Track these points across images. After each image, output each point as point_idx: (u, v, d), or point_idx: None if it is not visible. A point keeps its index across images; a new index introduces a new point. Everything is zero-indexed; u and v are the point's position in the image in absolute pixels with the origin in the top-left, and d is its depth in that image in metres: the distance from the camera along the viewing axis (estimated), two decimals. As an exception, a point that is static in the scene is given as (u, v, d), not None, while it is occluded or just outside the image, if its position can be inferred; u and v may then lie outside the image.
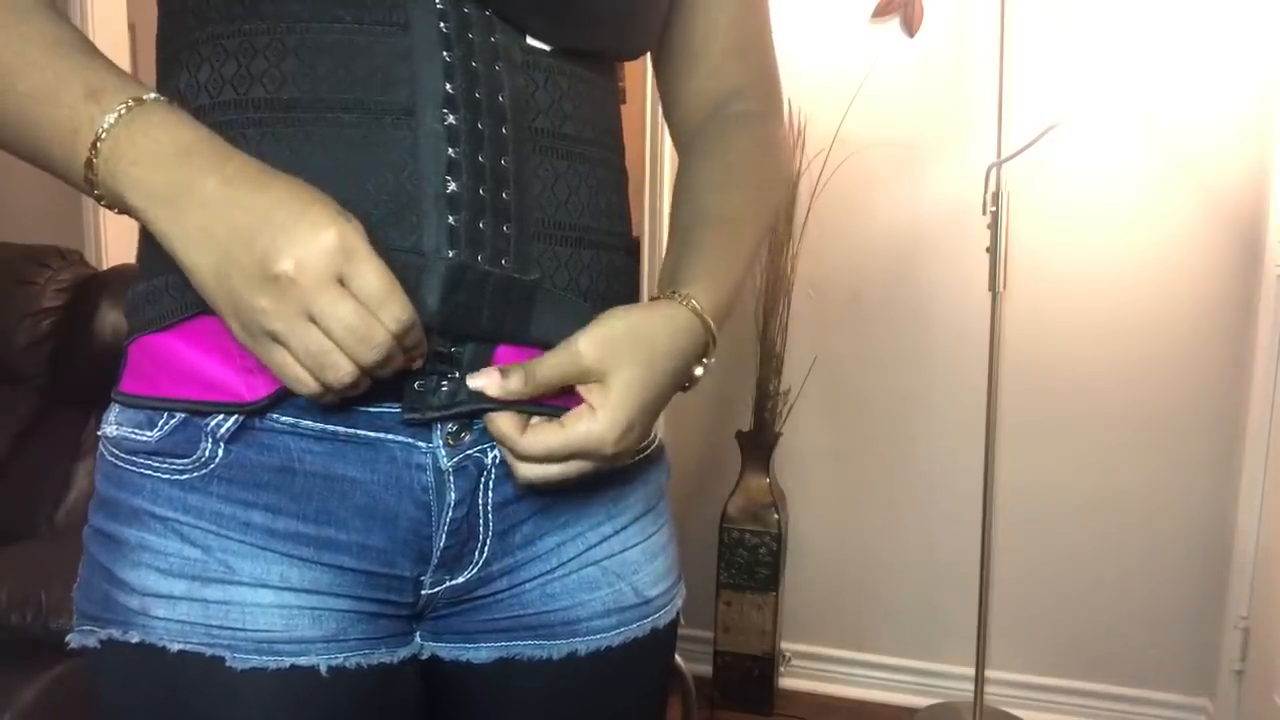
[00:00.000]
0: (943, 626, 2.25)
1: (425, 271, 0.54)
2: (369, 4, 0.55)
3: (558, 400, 0.58)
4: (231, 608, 0.56)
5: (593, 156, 0.63)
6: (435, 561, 0.61)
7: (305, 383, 0.51)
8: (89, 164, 0.50)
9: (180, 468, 0.57)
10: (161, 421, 0.57)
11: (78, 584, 0.61)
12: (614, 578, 0.67)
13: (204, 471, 0.57)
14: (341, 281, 0.49)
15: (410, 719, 0.64)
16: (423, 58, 0.56)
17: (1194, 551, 2.09)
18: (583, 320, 0.58)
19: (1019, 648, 2.21)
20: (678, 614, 0.73)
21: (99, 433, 0.61)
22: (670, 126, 0.79)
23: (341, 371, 0.50)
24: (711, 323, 0.62)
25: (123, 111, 0.50)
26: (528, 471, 0.57)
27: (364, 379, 0.51)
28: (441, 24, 0.56)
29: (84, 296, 1.83)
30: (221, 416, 0.56)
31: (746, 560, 2.18)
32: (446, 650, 0.66)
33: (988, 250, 1.98)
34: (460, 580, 0.62)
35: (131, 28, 2.36)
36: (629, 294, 0.67)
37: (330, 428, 0.57)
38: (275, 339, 0.50)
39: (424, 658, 0.65)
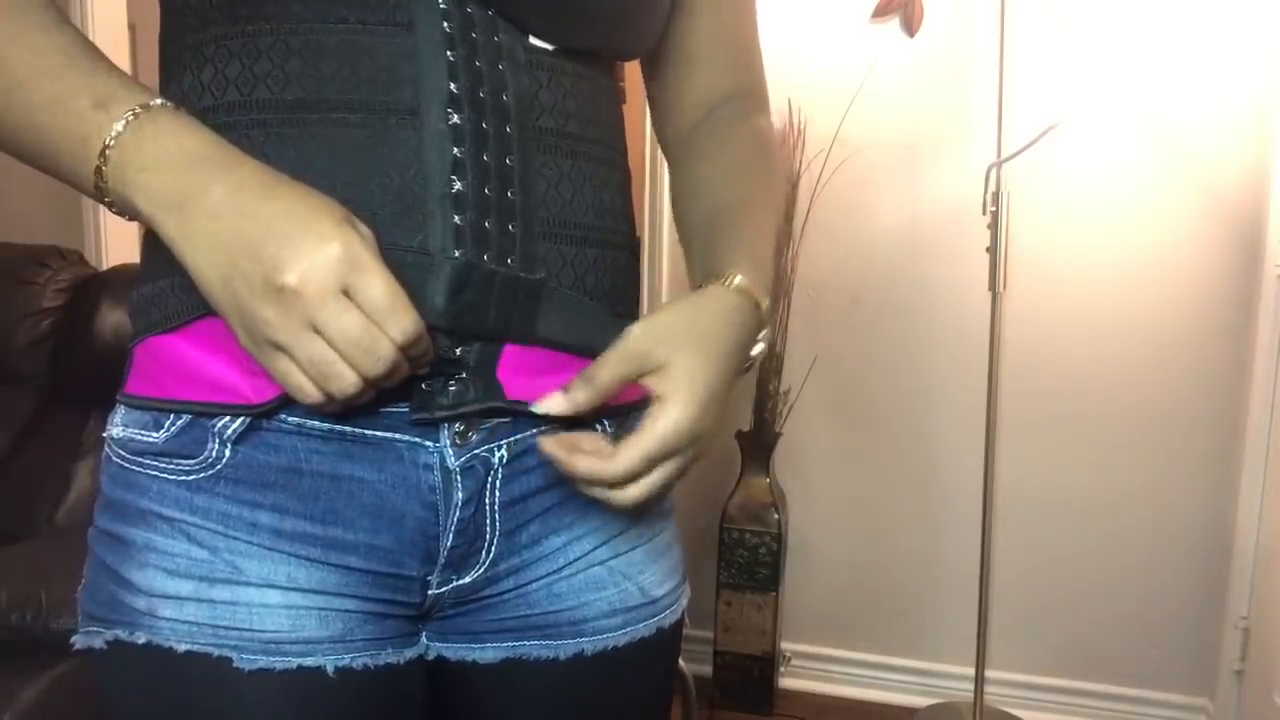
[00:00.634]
0: (943, 626, 2.25)
1: (432, 271, 0.55)
2: (372, 4, 0.55)
3: (615, 402, 0.57)
4: (238, 608, 0.56)
5: (596, 155, 0.64)
6: (442, 561, 0.61)
7: (309, 392, 0.51)
8: (98, 172, 0.50)
9: (187, 469, 0.57)
10: (168, 423, 0.57)
11: (83, 585, 0.60)
12: (620, 577, 0.67)
13: (211, 472, 0.57)
14: (348, 293, 0.48)
15: (416, 719, 0.63)
16: (427, 58, 0.56)
17: (1194, 551, 2.09)
18: (588, 318, 0.58)
19: (1019, 648, 2.21)
20: (683, 614, 0.73)
21: (104, 434, 0.61)
22: (659, 130, 0.79)
23: (345, 382, 0.50)
24: (760, 299, 0.62)
25: (130, 119, 0.50)
26: (630, 493, 0.56)
27: (368, 389, 0.51)
28: (445, 24, 0.56)
29: (84, 296, 1.83)
30: (228, 418, 0.56)
31: (746, 560, 2.18)
32: (453, 651, 0.65)
33: (988, 250, 1.98)
34: (467, 580, 0.62)
35: (131, 28, 2.36)
36: (633, 292, 0.67)
37: (337, 428, 0.57)
38: (280, 348, 0.50)
39: (430, 658, 0.65)
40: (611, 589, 0.66)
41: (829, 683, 2.33)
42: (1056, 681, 2.20)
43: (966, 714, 2.13)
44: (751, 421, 2.20)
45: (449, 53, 0.56)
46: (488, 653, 0.65)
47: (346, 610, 0.59)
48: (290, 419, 0.56)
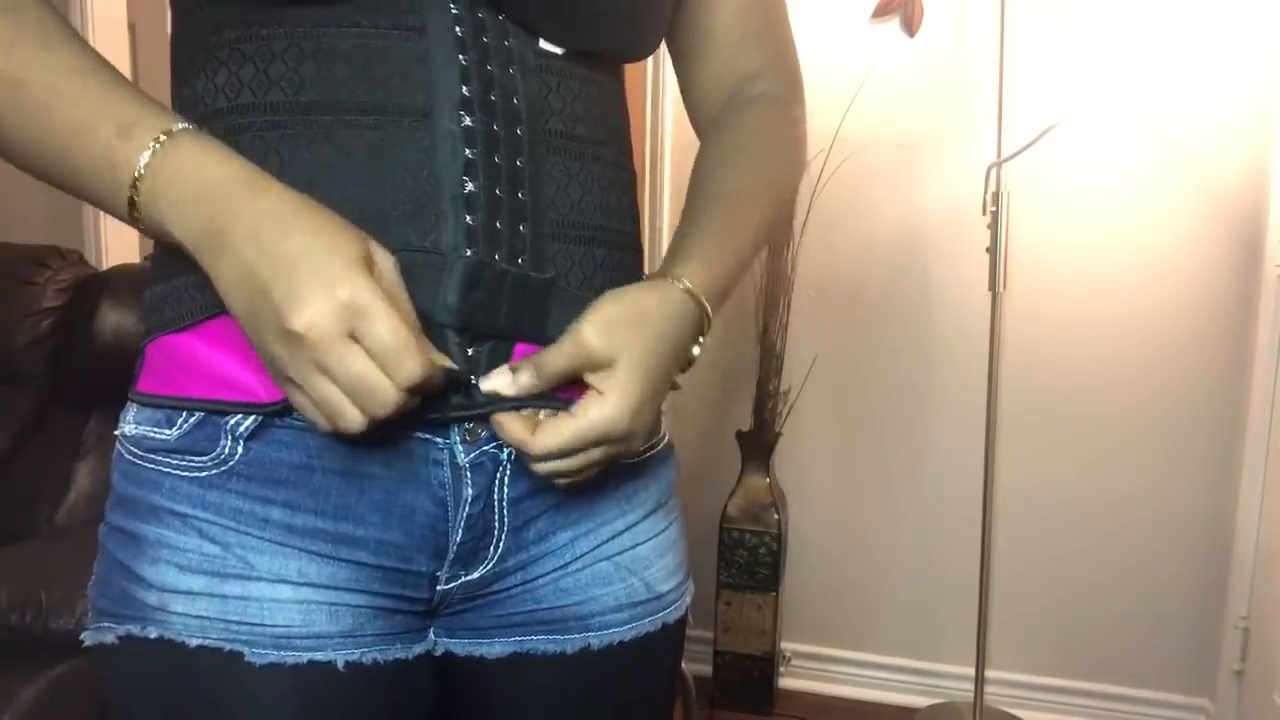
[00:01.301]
0: (943, 626, 2.25)
1: (444, 270, 0.55)
2: (385, 9, 0.56)
3: (568, 393, 0.58)
4: (250, 603, 0.57)
5: (604, 157, 0.64)
6: (451, 557, 0.62)
7: (320, 424, 0.52)
8: (131, 203, 0.51)
9: (199, 465, 0.57)
10: (180, 420, 0.58)
11: (93, 581, 0.61)
12: (626, 573, 0.68)
13: (223, 469, 0.57)
14: (356, 337, 0.49)
15: (425, 714, 0.64)
16: (439, 61, 0.57)
17: (1194, 551, 2.09)
18: None
19: (1019, 648, 2.21)
20: (687, 610, 0.73)
21: (116, 432, 0.61)
22: (691, 114, 0.79)
23: (351, 422, 0.51)
24: (705, 302, 0.62)
25: (156, 148, 0.50)
26: (545, 467, 0.57)
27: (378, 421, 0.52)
28: (457, 28, 0.57)
29: (84, 296, 1.83)
30: (240, 415, 0.57)
31: (746, 560, 2.18)
32: (461, 645, 0.66)
33: (988, 250, 1.98)
34: (475, 576, 0.63)
35: (131, 28, 2.35)
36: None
37: None
38: (293, 383, 0.51)
39: (438, 653, 0.66)
40: (617, 584, 0.67)
41: (829, 683, 2.33)
42: (1056, 681, 2.20)
43: (966, 714, 2.13)
44: (751, 421, 2.20)
45: (461, 56, 0.57)
46: (495, 647, 0.66)
47: (357, 605, 0.59)
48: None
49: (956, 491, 2.18)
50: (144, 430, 0.59)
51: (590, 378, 0.57)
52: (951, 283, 2.14)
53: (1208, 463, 2.06)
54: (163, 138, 0.51)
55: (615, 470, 0.63)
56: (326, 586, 0.58)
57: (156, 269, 0.60)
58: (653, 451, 0.70)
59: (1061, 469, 2.14)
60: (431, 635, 0.65)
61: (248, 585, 0.57)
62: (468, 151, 0.57)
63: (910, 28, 2.09)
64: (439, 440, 0.59)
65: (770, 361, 2.16)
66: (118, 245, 2.29)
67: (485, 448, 0.60)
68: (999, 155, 1.95)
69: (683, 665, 1.87)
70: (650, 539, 0.69)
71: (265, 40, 0.56)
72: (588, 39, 0.62)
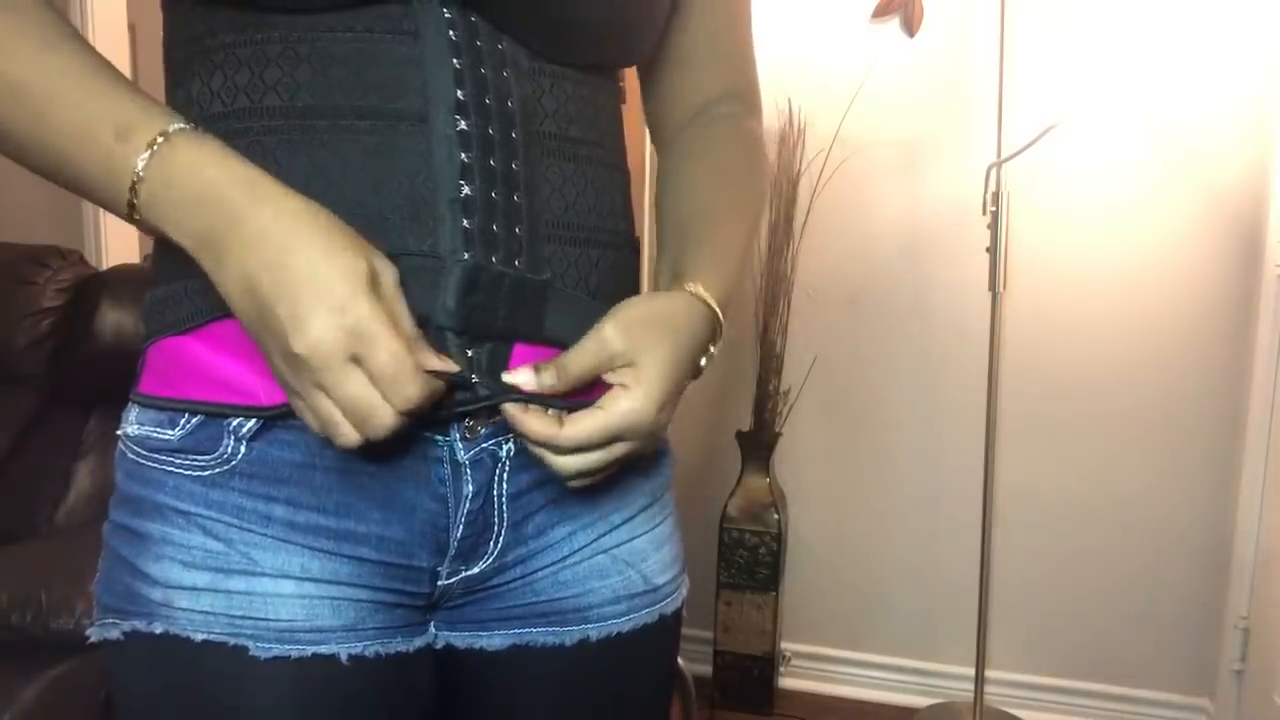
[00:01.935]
0: (943, 626, 2.25)
1: (442, 273, 0.56)
2: (379, 13, 0.57)
3: (580, 396, 0.58)
4: (254, 598, 0.57)
5: (598, 158, 0.65)
6: (452, 552, 0.62)
7: (316, 430, 0.53)
8: (131, 205, 0.52)
9: (202, 464, 0.58)
10: (183, 421, 0.58)
11: (98, 578, 0.62)
12: (623, 565, 0.69)
13: (226, 468, 0.58)
14: (357, 360, 0.50)
15: (425, 706, 0.65)
16: (434, 65, 0.57)
17: (1194, 551, 2.09)
18: (593, 318, 0.59)
19: (1019, 648, 2.21)
20: (683, 602, 0.75)
21: (119, 431, 0.62)
22: (651, 127, 0.81)
23: (347, 440, 0.52)
24: (719, 312, 0.64)
25: (153, 151, 0.51)
26: (571, 462, 0.58)
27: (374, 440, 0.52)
28: (450, 32, 0.58)
29: (84, 296, 1.83)
30: (243, 418, 0.57)
31: (746, 560, 2.18)
32: (461, 638, 0.67)
33: (988, 250, 1.98)
34: (476, 570, 0.64)
35: (131, 28, 2.36)
36: (634, 291, 0.68)
37: None
38: (295, 393, 0.52)
39: (438, 647, 0.67)
40: (615, 576, 0.68)
41: (829, 683, 2.33)
42: (1056, 681, 2.20)
43: (966, 714, 2.13)
44: (751, 421, 2.20)
45: (455, 60, 0.58)
46: (495, 640, 0.67)
47: (359, 600, 0.60)
48: None
49: (956, 491, 2.19)
50: (147, 430, 0.60)
51: (612, 376, 0.58)
52: (951, 283, 2.15)
53: (1208, 463, 2.06)
54: (159, 140, 0.51)
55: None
56: (329, 581, 0.59)
57: (157, 271, 0.61)
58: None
59: (1061, 468, 2.14)
60: (432, 628, 0.66)
61: (251, 581, 0.57)
62: (463, 155, 0.57)
63: (910, 28, 2.09)
64: (439, 438, 0.60)
65: (770, 361, 2.17)
66: (118, 245, 2.29)
67: (485, 444, 0.61)
68: (999, 155, 1.95)
69: (683, 665, 1.88)
70: (647, 532, 0.70)
71: (260, 45, 0.56)
72: (576, 53, 0.63)
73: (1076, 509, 2.14)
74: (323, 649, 0.58)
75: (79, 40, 0.54)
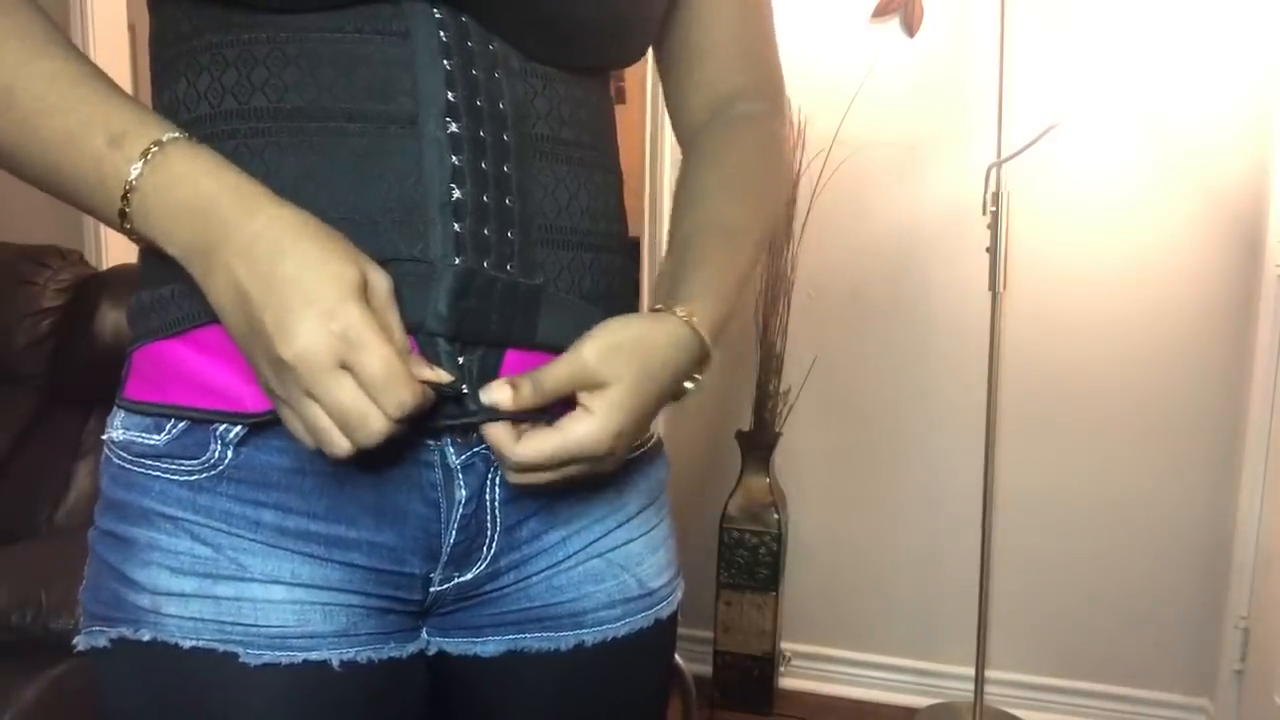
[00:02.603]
0: (943, 626, 2.25)
1: (434, 279, 0.55)
2: (368, 14, 0.56)
3: (558, 407, 0.58)
4: (244, 604, 0.57)
5: (590, 160, 0.64)
6: (445, 559, 0.61)
7: (307, 442, 0.52)
8: (122, 214, 0.51)
9: (189, 469, 0.57)
10: (169, 426, 0.57)
11: (84, 586, 0.61)
12: (618, 569, 0.68)
13: (213, 473, 0.57)
14: (347, 367, 0.49)
15: (418, 713, 0.64)
16: (424, 66, 0.56)
17: (1194, 551, 2.09)
18: (586, 322, 0.58)
19: (1019, 648, 2.21)
20: (678, 606, 0.74)
21: (104, 437, 0.61)
22: (674, 124, 0.79)
23: (338, 449, 0.50)
24: (708, 340, 0.62)
25: (147, 160, 0.50)
26: (522, 478, 0.57)
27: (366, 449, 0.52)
28: (441, 33, 0.57)
29: (84, 296, 1.83)
30: (229, 424, 0.57)
31: (746, 560, 2.18)
32: (454, 645, 0.66)
33: (988, 250, 1.98)
34: (469, 577, 0.63)
35: (131, 28, 2.35)
36: (628, 294, 0.67)
37: None
38: (283, 403, 0.51)
39: (431, 653, 0.66)
40: (610, 581, 0.67)
41: (829, 683, 2.33)
42: (1056, 681, 2.20)
43: (966, 714, 2.13)
44: (751, 421, 2.20)
45: (445, 61, 0.57)
46: (489, 646, 0.66)
47: (350, 605, 0.59)
48: None
49: (956, 491, 2.18)
50: (132, 435, 0.59)
51: (582, 395, 0.57)
52: (951, 283, 2.14)
53: (1208, 463, 2.06)
54: (154, 149, 0.50)
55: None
56: (320, 587, 0.58)
57: (143, 275, 0.60)
58: (642, 450, 0.70)
59: (1062, 468, 2.14)
60: (424, 634, 0.65)
61: (241, 586, 0.57)
62: (454, 158, 0.56)
63: (910, 28, 2.09)
64: (430, 442, 0.59)
65: (770, 361, 2.16)
66: (118, 245, 2.29)
67: (477, 449, 0.60)
68: (999, 155, 1.95)
69: (683, 665, 1.88)
70: (641, 535, 0.69)
71: (247, 45, 0.55)
72: (569, 55, 0.62)
73: (1076, 509, 2.14)
74: (314, 655, 0.57)
75: (68, 45, 0.53)
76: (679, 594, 0.74)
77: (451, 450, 0.59)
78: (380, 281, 0.51)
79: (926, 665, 2.28)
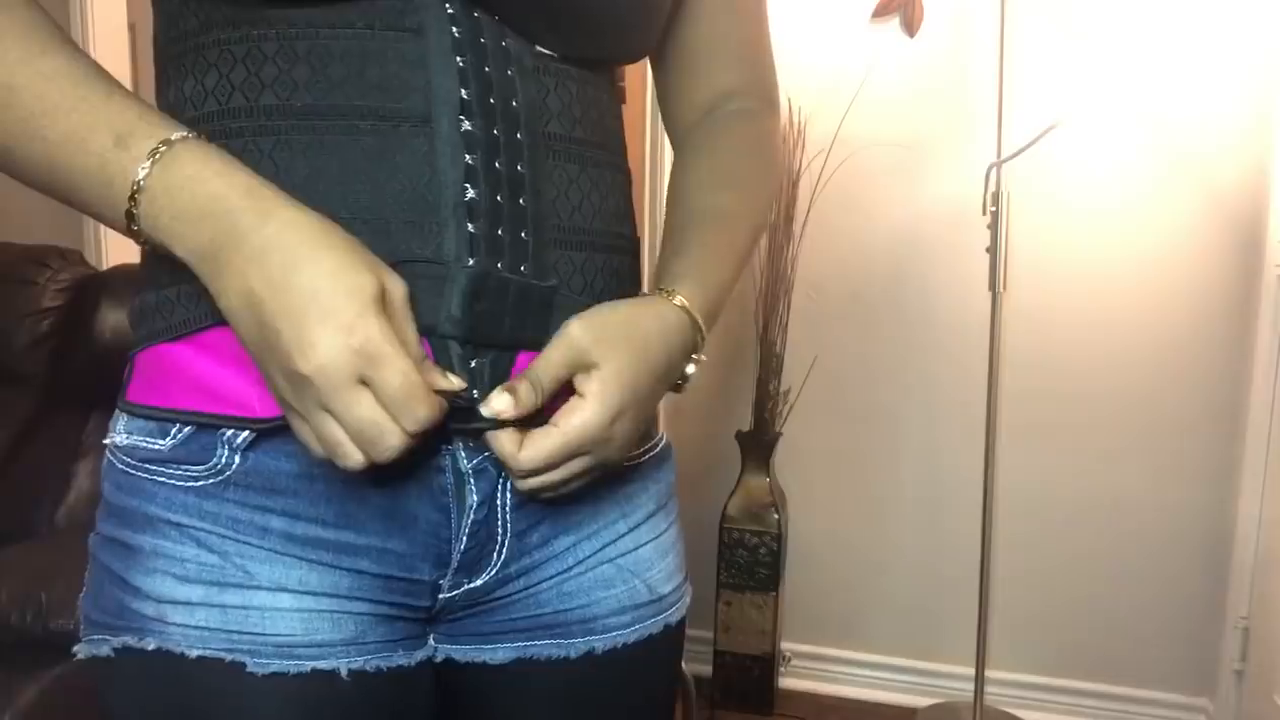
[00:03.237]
0: (943, 626, 2.25)
1: (447, 280, 0.54)
2: (380, 9, 0.55)
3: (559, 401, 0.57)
4: (251, 612, 0.56)
5: (601, 160, 0.64)
6: (454, 565, 0.61)
7: (318, 454, 0.51)
8: (129, 215, 0.50)
9: (195, 475, 0.56)
10: (174, 430, 0.56)
11: (85, 593, 0.60)
12: (628, 575, 0.67)
13: (220, 478, 0.56)
14: (365, 382, 0.48)
15: None
16: (437, 64, 0.55)
17: (1194, 551, 2.09)
18: None
19: (1019, 648, 2.21)
20: (686, 611, 0.73)
21: (105, 441, 0.60)
22: (666, 124, 0.80)
23: (352, 463, 0.50)
24: (700, 320, 0.62)
25: (155, 159, 0.49)
26: (531, 483, 0.57)
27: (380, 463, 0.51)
28: (454, 29, 0.56)
29: (84, 296, 1.83)
30: (236, 429, 0.56)
31: (746, 560, 2.18)
32: (463, 652, 0.65)
33: (988, 250, 1.98)
34: (479, 583, 0.62)
35: (131, 27, 2.35)
36: (636, 295, 0.67)
37: None
38: (297, 414, 0.50)
39: (438, 660, 0.65)
40: (620, 587, 0.67)
41: (829, 683, 2.33)
42: (1056, 681, 2.20)
43: (966, 714, 2.13)
44: (751, 421, 2.20)
45: (458, 59, 0.56)
46: (499, 653, 0.65)
47: (358, 614, 0.58)
48: None
49: (956, 491, 2.18)
50: (136, 440, 0.58)
51: (577, 380, 0.56)
52: (951, 283, 2.14)
53: (1208, 463, 2.06)
54: (162, 148, 0.49)
55: (615, 473, 0.63)
56: (328, 595, 0.57)
57: (146, 276, 0.58)
58: (651, 453, 0.70)
59: (1062, 469, 2.14)
60: (432, 641, 0.64)
61: (248, 594, 0.56)
62: (468, 157, 0.55)
63: (910, 28, 2.09)
64: (442, 447, 0.58)
65: (770, 361, 2.16)
66: (118, 245, 2.29)
67: (488, 453, 0.59)
68: (999, 155, 1.95)
69: (683, 665, 1.88)
70: (651, 540, 0.69)
71: (256, 41, 0.54)
72: (583, 45, 0.62)
73: (1077, 509, 2.14)
74: (322, 664, 0.57)
75: (71, 43, 0.52)
76: (687, 599, 0.73)
77: (463, 454, 0.59)
78: (397, 289, 0.50)
79: (926, 665, 2.28)
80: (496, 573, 0.62)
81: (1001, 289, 2.00)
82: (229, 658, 0.55)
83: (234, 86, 0.54)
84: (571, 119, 0.61)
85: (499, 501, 0.61)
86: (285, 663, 0.56)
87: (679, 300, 0.61)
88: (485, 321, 0.55)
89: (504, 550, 0.62)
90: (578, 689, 0.67)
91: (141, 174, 0.49)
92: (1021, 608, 2.20)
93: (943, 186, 2.12)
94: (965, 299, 2.12)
